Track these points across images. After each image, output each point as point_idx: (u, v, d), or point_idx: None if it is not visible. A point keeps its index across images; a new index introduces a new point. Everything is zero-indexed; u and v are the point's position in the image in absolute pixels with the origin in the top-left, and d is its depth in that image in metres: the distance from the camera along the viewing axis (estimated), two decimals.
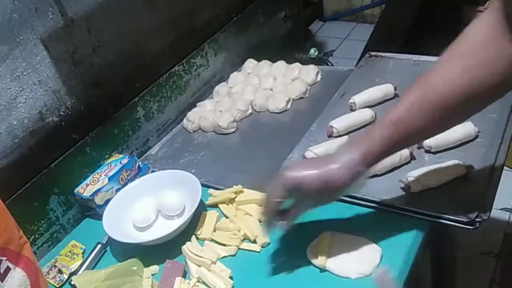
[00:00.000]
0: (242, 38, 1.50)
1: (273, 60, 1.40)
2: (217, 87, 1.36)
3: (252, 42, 1.55)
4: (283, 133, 1.17)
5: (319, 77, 1.33)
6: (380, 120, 0.73)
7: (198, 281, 0.85)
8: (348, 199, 0.92)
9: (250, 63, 1.43)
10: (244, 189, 0.99)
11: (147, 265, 0.89)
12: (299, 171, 0.74)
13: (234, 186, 0.99)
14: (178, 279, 0.84)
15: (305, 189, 0.73)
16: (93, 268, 0.93)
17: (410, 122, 0.69)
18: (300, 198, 0.75)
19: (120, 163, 1.07)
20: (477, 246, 1.68)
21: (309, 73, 1.32)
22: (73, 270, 0.92)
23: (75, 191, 1.03)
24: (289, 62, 1.38)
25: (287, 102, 1.25)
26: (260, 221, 0.92)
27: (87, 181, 1.04)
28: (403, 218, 0.86)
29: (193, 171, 1.03)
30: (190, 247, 0.89)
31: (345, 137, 1.03)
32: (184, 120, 1.28)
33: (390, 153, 0.73)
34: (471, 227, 0.81)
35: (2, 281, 0.69)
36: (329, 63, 2.00)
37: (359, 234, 0.85)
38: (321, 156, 0.76)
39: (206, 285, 0.84)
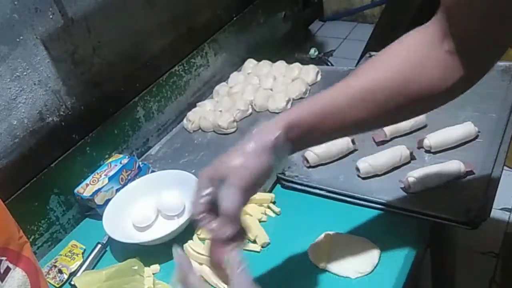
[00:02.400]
0: (242, 38, 1.50)
1: (273, 60, 1.40)
2: (217, 87, 1.36)
3: (252, 42, 1.55)
4: None
5: (319, 77, 1.33)
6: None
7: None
8: (348, 199, 0.92)
9: (250, 63, 1.42)
10: None
11: (147, 265, 0.89)
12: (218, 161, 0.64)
13: None
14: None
15: (225, 166, 0.63)
16: (93, 268, 0.93)
17: (342, 107, 0.69)
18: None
19: (120, 163, 1.07)
20: (477, 246, 1.68)
21: (309, 73, 1.32)
22: (73, 270, 0.92)
23: (75, 191, 1.03)
24: (289, 62, 1.38)
25: (287, 102, 1.24)
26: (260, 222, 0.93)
27: (87, 181, 1.04)
28: (403, 218, 0.86)
29: (193, 171, 1.03)
30: (192, 245, 0.89)
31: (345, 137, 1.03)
32: (184, 120, 1.28)
33: (316, 133, 0.67)
34: (471, 227, 0.81)
35: (2, 281, 0.69)
36: (329, 63, 2.00)
37: (359, 234, 0.85)
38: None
39: (208, 283, 0.84)
